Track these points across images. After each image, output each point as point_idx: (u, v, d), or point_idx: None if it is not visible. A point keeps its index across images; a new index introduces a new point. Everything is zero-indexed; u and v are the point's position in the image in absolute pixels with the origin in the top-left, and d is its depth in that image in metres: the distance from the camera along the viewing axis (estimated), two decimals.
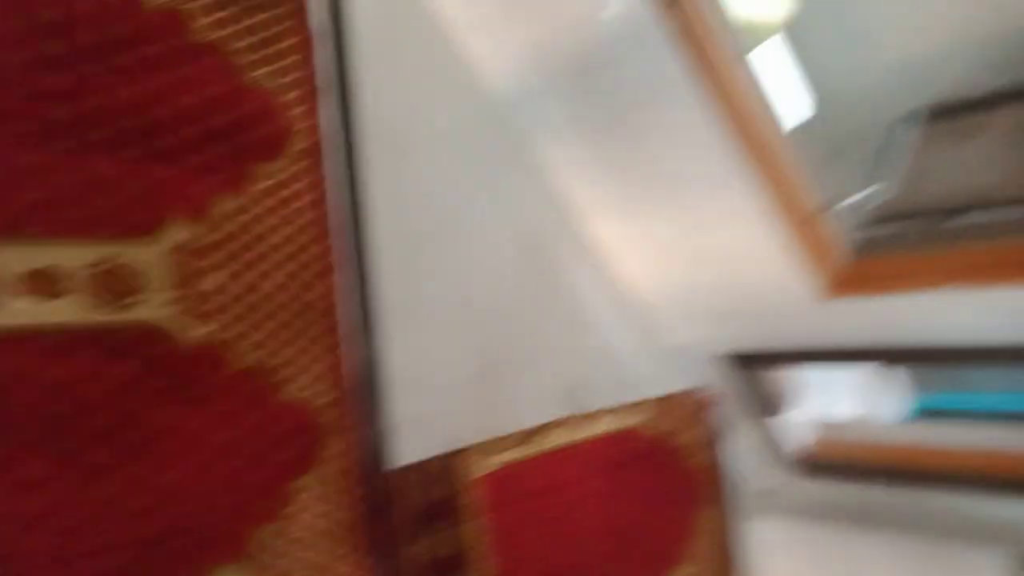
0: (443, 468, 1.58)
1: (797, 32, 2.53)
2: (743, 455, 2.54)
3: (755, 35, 2.00)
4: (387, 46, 1.69)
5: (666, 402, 2.16)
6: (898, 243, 1.85)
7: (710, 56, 1.66)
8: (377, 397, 1.54)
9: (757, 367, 2.28)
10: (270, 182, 1.30)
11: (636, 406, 2.02)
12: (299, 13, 1.33)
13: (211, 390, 1.21)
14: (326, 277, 1.38)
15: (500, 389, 1.83)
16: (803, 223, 1.83)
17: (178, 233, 1.16)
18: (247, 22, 1.25)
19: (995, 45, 2.48)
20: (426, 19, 1.80)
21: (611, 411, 1.95)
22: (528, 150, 2.00)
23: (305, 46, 1.34)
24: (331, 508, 1.38)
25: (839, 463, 2.41)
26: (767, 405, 2.41)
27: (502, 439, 1.72)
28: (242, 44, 1.24)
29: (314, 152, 1.37)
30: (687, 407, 2.24)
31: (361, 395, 1.45)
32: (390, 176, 1.61)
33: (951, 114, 2.37)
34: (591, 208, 2.08)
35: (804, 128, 1.93)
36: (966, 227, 1.75)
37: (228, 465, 1.24)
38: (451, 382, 1.71)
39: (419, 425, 1.61)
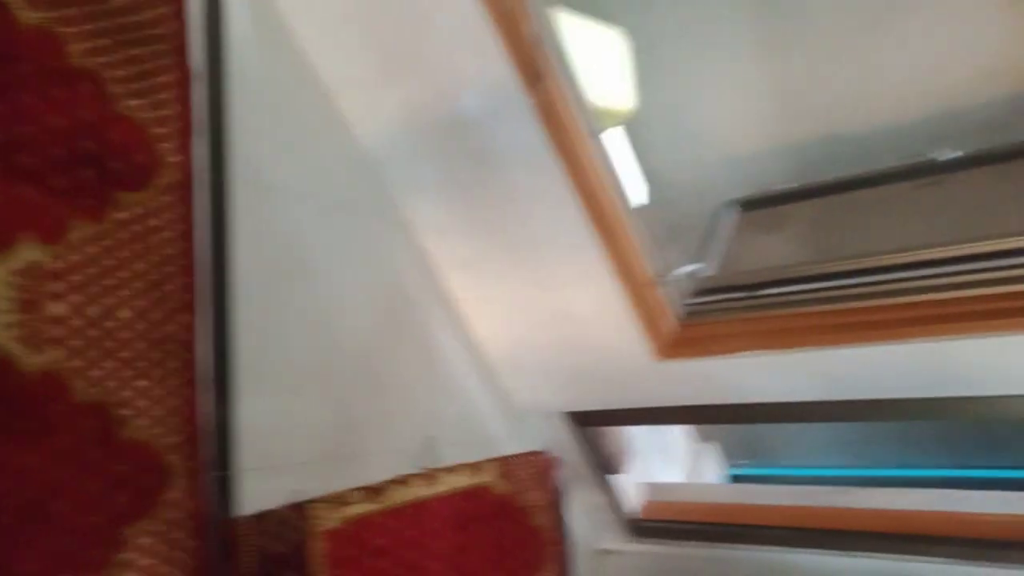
0: (289, 519, 1.56)
1: (637, 126, 2.88)
2: (583, 516, 2.68)
3: (604, 121, 2.25)
4: (264, 92, 1.73)
5: (513, 462, 2.25)
6: (717, 312, 2.11)
7: (567, 132, 1.85)
8: (226, 442, 1.50)
9: (597, 426, 2.45)
10: (133, 212, 1.29)
11: (485, 465, 2.09)
12: (179, 51, 1.37)
13: (49, 422, 1.15)
14: (184, 314, 1.37)
15: (354, 441, 1.83)
16: (641, 290, 2.04)
17: (28, 253, 1.12)
18: (125, 53, 1.27)
19: (800, 149, 2.96)
20: (305, 70, 1.86)
21: (461, 469, 2.00)
22: (396, 206, 2.08)
23: (182, 84, 1.37)
24: (170, 555, 1.32)
25: (664, 524, 2.60)
26: (607, 466, 2.57)
27: (351, 492, 1.71)
28: (119, 74, 1.25)
29: (182, 188, 1.37)
30: (532, 467, 2.35)
31: (210, 438, 1.42)
32: (256, 220, 1.62)
33: (762, 204, 2.77)
34: (452, 267, 2.18)
35: (642, 210, 2.17)
36: (773, 300, 2.04)
37: (59, 505, 1.17)
38: (304, 431, 1.70)
39: (268, 473, 1.58)
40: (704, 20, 2.84)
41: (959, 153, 2.35)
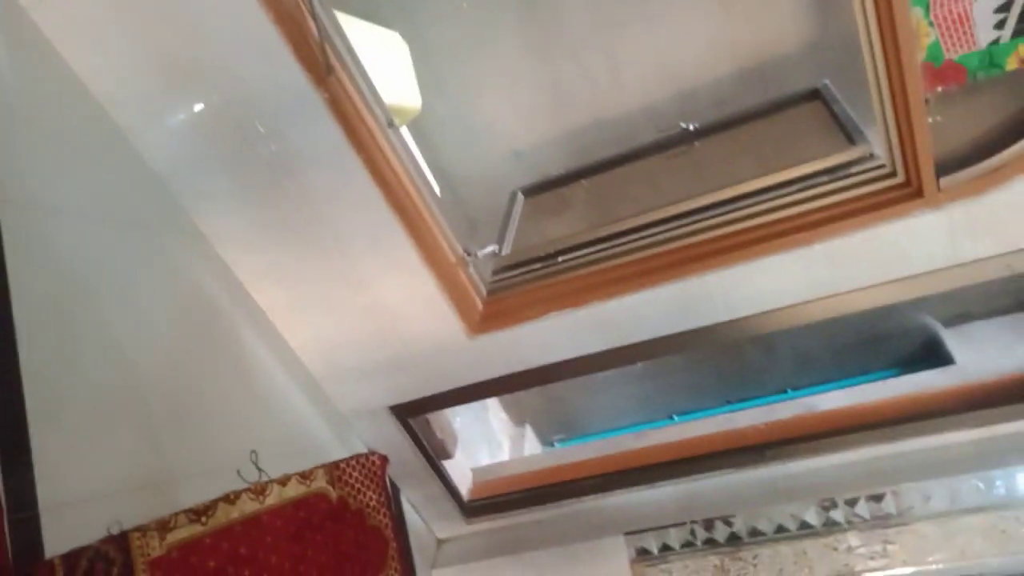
0: (106, 553, 1.48)
1: (424, 126, 3.04)
2: (420, 508, 2.76)
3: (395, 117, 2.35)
4: (30, 114, 1.62)
5: (343, 466, 2.28)
6: (517, 284, 2.31)
7: (362, 124, 1.92)
8: (23, 481, 1.39)
9: (421, 414, 2.54)
10: None
11: (315, 472, 2.10)
12: None
13: None
14: None
15: (171, 465, 1.75)
16: (448, 273, 2.17)
17: None
18: None
19: (572, 136, 3.29)
20: (75, 88, 1.76)
21: (289, 479, 1.99)
22: (191, 220, 2.01)
23: None
24: None
25: (492, 499, 2.77)
26: (436, 453, 2.66)
27: (174, 517, 1.65)
28: None
29: None
30: (364, 468, 2.39)
31: (8, 480, 1.31)
32: (34, 247, 1.52)
33: (545, 189, 3.05)
34: (257, 277, 2.15)
35: (443, 203, 2.31)
36: (562, 266, 2.28)
37: None
38: (113, 460, 1.59)
39: (77, 509, 1.48)
40: (474, 25, 3.07)
41: (696, 125, 2.77)
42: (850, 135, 2.17)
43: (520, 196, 2.99)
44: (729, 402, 4.02)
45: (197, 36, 1.72)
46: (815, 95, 2.54)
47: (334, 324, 2.26)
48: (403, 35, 2.99)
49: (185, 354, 1.88)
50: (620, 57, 3.05)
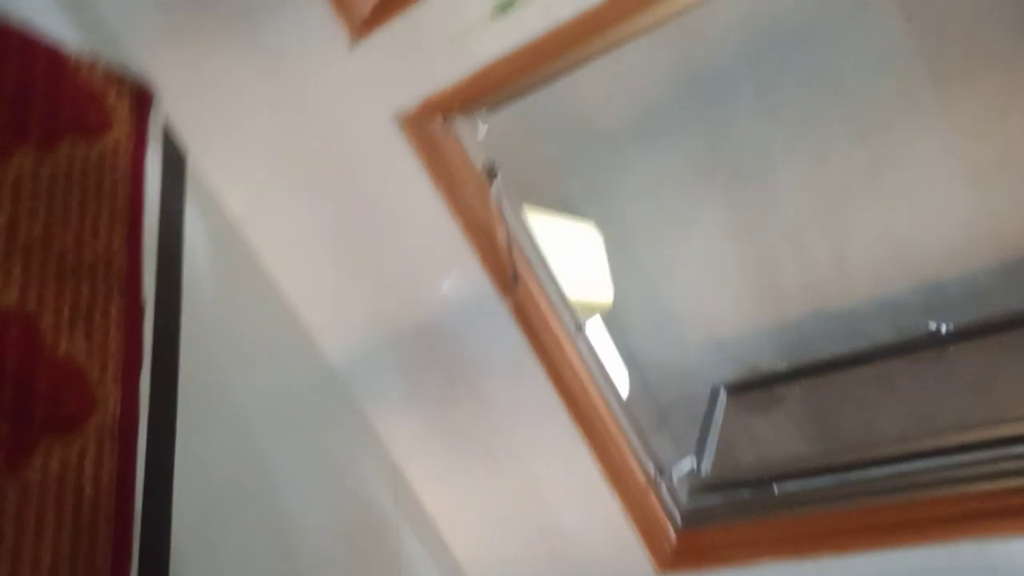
0: None
1: (617, 314, 2.86)
2: None
3: (583, 315, 2.21)
4: (223, 312, 1.68)
5: None
6: (720, 515, 1.93)
7: (546, 332, 1.78)
8: None
9: None
10: (59, 458, 1.16)
11: None
12: (130, 283, 1.31)
13: None
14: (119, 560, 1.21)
15: None
16: (636, 497, 1.87)
17: None
18: (68, 290, 1.21)
19: (786, 327, 2.91)
20: (267, 288, 1.83)
21: None
22: (366, 419, 1.96)
23: (131, 316, 1.29)
24: None
25: None
26: None
27: None
28: (59, 313, 1.18)
29: (121, 426, 1.26)
30: None
31: None
32: (206, 444, 1.50)
33: (753, 387, 2.67)
34: (427, 481, 2.03)
35: (629, 400, 2.08)
36: (781, 499, 1.87)
37: None
38: None
39: None
40: (675, 203, 2.92)
41: (951, 325, 2.29)
42: None
43: (723, 393, 2.64)
44: None
45: (389, 244, 1.72)
46: None
47: (504, 539, 2.03)
48: (598, 215, 2.91)
49: (343, 559, 1.76)
50: (847, 238, 2.69)
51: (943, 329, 2.23)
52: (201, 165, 1.77)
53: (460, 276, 1.69)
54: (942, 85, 2.35)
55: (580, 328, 1.86)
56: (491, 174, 1.62)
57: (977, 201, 2.44)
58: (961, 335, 2.21)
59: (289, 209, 1.76)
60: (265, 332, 1.80)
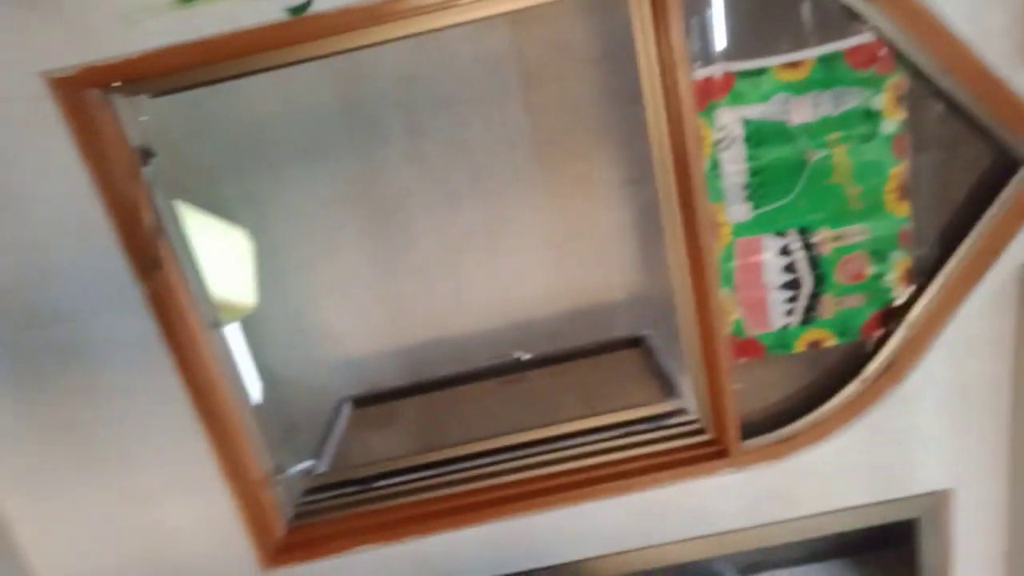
0: None
1: (256, 324, 2.90)
2: None
3: (222, 315, 2.21)
4: None
5: None
6: (327, 510, 2.10)
7: (181, 323, 1.76)
8: None
9: None
10: None
11: None
12: None
13: None
14: None
15: None
16: (250, 492, 1.93)
17: None
18: None
19: (408, 350, 3.27)
20: None
21: None
22: None
23: None
24: None
25: None
26: None
27: None
28: None
29: None
30: None
31: None
32: None
33: (375, 401, 2.94)
34: (12, 479, 1.83)
35: (258, 408, 2.14)
36: (380, 493, 2.12)
37: None
38: None
39: None
40: (322, 230, 3.10)
41: (531, 355, 2.86)
42: (668, 387, 2.34)
43: (347, 407, 2.86)
44: None
45: (10, 210, 1.56)
46: (639, 342, 2.76)
47: (99, 543, 1.91)
48: (251, 225, 2.95)
49: None
50: (464, 281, 3.18)
51: (525, 358, 2.80)
52: None
53: (95, 257, 1.62)
54: (544, 166, 3.00)
55: (217, 324, 1.90)
56: (145, 157, 1.61)
57: (557, 261, 3.13)
58: (537, 363, 2.81)
59: None
60: None
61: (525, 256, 3.13)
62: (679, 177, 1.71)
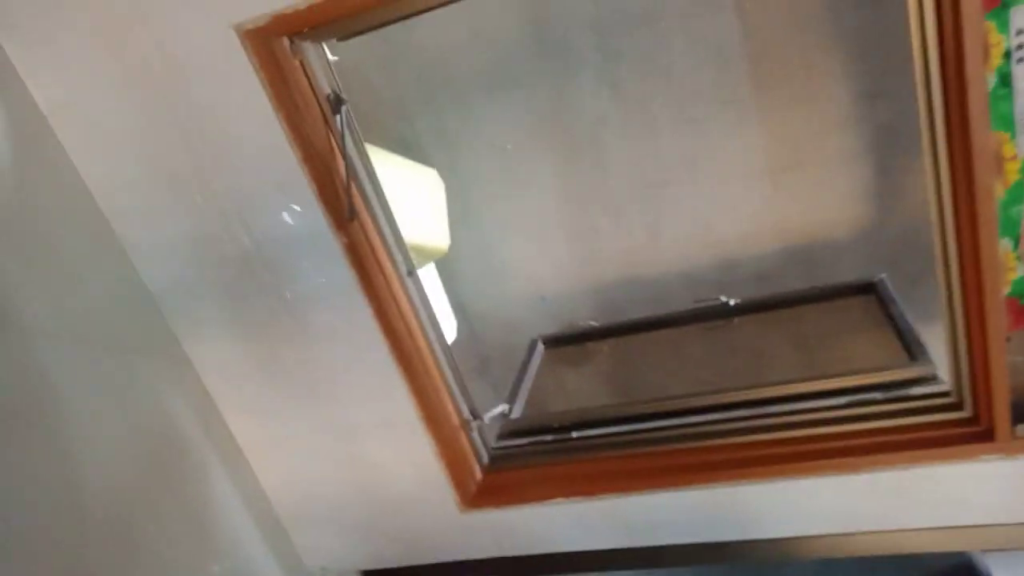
0: None
1: (450, 262, 2.92)
2: None
3: (417, 259, 2.23)
4: (16, 208, 1.51)
5: None
6: (524, 456, 2.07)
7: (378, 272, 1.77)
8: None
9: None
10: None
11: None
12: None
13: None
14: None
15: None
16: (448, 436, 1.96)
17: None
18: None
19: (602, 289, 3.14)
20: (74, 190, 1.66)
21: None
22: (175, 343, 1.87)
23: None
24: None
25: None
26: None
27: None
28: None
29: None
30: None
31: None
32: None
33: (568, 342, 2.86)
34: (238, 410, 1.98)
35: (452, 345, 2.15)
36: (579, 444, 2.05)
37: None
38: None
39: None
40: (515, 167, 3.00)
41: (738, 300, 2.59)
42: (909, 347, 1.97)
43: (540, 346, 2.80)
44: None
45: (217, 162, 1.62)
46: (869, 289, 2.36)
47: (313, 470, 2.05)
48: (442, 163, 2.92)
49: (138, 495, 1.69)
50: (662, 217, 2.94)
51: (731, 303, 2.54)
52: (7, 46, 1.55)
53: (294, 207, 1.64)
54: (757, 84, 2.61)
55: (412, 272, 1.89)
56: (336, 105, 1.58)
57: (769, 195, 2.76)
58: (745, 309, 2.53)
59: (109, 107, 1.59)
60: (68, 239, 1.64)
61: (732, 189, 2.80)
62: (950, 97, 1.34)
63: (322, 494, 2.09)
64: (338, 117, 1.59)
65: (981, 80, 1.28)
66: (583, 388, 2.58)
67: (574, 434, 2.10)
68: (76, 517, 1.51)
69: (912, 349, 1.96)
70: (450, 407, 2.00)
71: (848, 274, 2.51)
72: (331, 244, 1.69)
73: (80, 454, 1.56)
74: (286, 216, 1.65)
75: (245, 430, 2.02)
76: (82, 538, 1.51)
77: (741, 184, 2.78)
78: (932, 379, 1.77)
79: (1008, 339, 1.47)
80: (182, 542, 1.78)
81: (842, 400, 1.80)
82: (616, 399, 2.36)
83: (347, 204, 1.65)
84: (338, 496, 2.08)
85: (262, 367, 1.91)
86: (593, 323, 2.87)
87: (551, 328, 2.93)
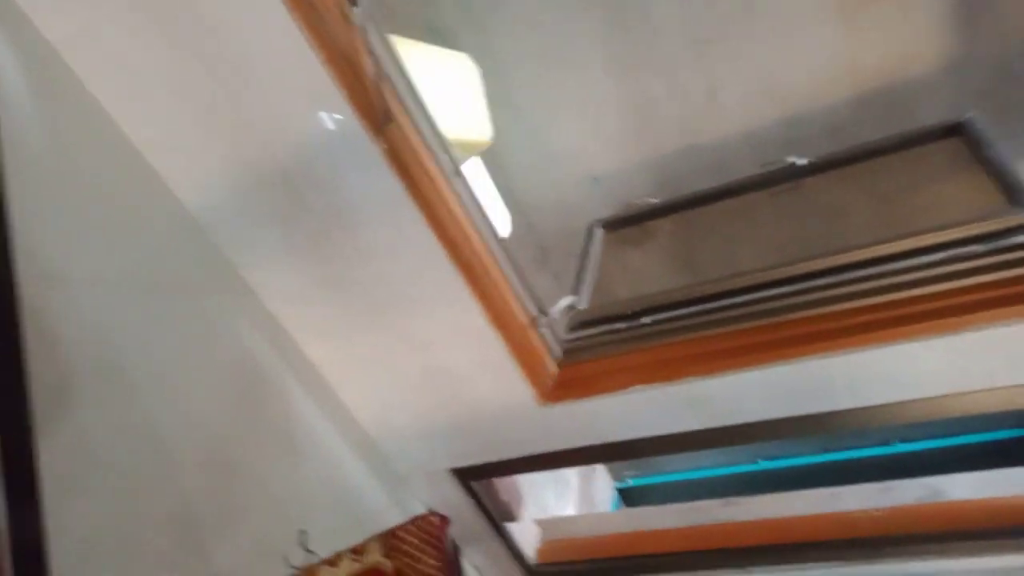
0: None
1: (496, 151, 2.77)
2: (484, 570, 2.55)
3: (461, 154, 2.12)
4: (61, 161, 1.46)
5: (399, 533, 2.07)
6: (596, 347, 2.03)
7: (424, 176, 1.69)
8: (37, 562, 1.22)
9: (484, 478, 2.32)
10: None
11: (369, 545, 1.90)
12: None
13: None
14: None
15: (209, 552, 1.58)
16: (517, 335, 1.92)
17: None
18: None
19: (659, 163, 2.97)
20: (102, 129, 1.59)
21: (343, 557, 1.80)
22: (237, 274, 1.84)
23: None
24: None
25: (562, 567, 2.52)
26: (501, 515, 2.45)
27: None
28: None
29: None
30: (423, 532, 2.17)
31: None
32: (49, 322, 1.35)
33: (628, 223, 2.73)
34: (310, 333, 1.97)
35: (509, 238, 2.07)
36: (651, 330, 1.99)
37: None
38: (140, 551, 1.43)
39: None
40: (553, 36, 2.77)
41: (808, 159, 2.40)
42: (1008, 190, 1.79)
43: (599, 230, 2.69)
44: (826, 450, 3.64)
45: (242, 79, 1.51)
46: (956, 131, 2.13)
47: (391, 383, 2.06)
48: (474, 46, 2.72)
49: (228, 427, 1.72)
50: (717, 75, 2.70)
51: (801, 163, 2.35)
52: None
53: (327, 116, 1.53)
54: None
55: (458, 171, 1.79)
56: None
57: (840, 37, 2.48)
58: (817, 168, 2.34)
59: (123, 35, 1.48)
60: (107, 180, 1.59)
61: (796, 36, 2.52)
62: None
63: (402, 404, 2.11)
64: (357, 11, 1.44)
65: None
66: (649, 270, 2.49)
67: (646, 319, 2.04)
68: (173, 460, 1.54)
69: (1012, 192, 1.78)
70: (516, 306, 1.95)
71: (930, 116, 2.26)
72: (371, 152, 1.58)
73: (165, 394, 1.57)
74: (321, 127, 1.55)
75: (319, 352, 2.02)
76: (181, 477, 1.55)
77: (806, 29, 2.49)
78: None
79: None
80: (276, 459, 1.83)
81: (937, 256, 1.67)
82: (686, 279, 2.26)
83: (381, 106, 1.53)
84: (418, 405, 2.10)
85: (325, 287, 1.87)
86: (652, 200, 2.72)
87: (608, 210, 2.80)
